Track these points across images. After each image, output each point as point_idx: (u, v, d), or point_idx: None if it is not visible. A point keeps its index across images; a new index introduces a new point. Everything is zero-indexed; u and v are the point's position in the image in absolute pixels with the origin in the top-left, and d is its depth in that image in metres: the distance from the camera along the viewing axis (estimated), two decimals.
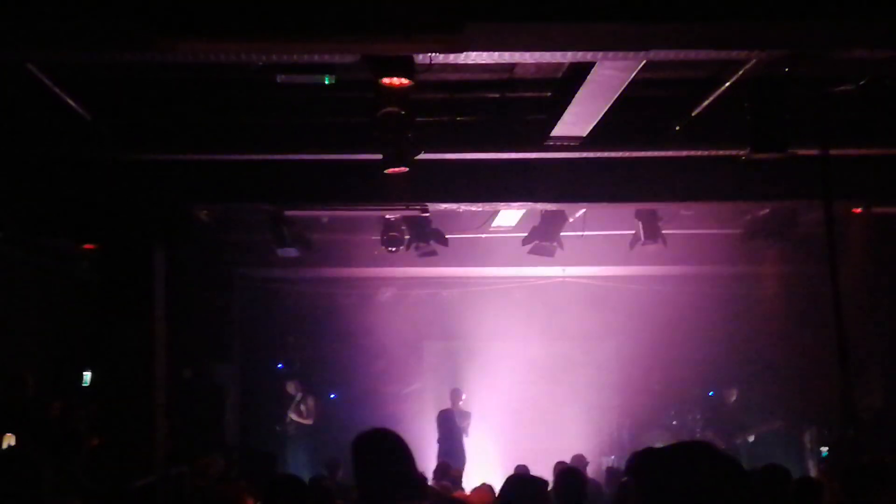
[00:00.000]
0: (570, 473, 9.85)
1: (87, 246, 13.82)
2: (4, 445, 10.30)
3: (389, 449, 5.58)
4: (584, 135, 11.20)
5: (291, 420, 21.03)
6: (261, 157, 12.19)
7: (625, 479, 10.50)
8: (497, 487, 12.46)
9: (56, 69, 9.74)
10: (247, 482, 10.60)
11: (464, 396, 20.63)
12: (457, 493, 12.11)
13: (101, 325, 12.99)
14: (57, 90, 10.05)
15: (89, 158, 12.10)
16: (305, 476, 14.15)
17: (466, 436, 20.06)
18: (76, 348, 16.55)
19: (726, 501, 3.43)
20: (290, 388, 21.22)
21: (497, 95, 11.26)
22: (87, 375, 16.20)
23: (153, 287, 12.87)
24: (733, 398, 20.39)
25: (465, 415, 20.33)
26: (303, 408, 21.00)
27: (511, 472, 13.97)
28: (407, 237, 14.94)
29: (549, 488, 8.14)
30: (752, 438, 18.98)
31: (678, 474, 3.50)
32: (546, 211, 14.61)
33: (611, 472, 15.33)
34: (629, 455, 6.62)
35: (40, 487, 7.40)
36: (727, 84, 10.04)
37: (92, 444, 12.34)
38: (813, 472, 17.19)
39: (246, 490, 8.55)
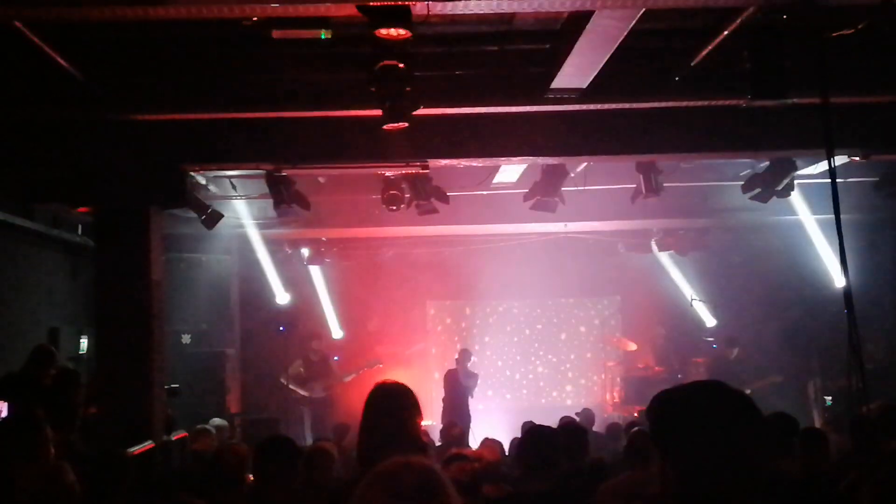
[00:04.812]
0: (572, 427, 9.92)
1: (81, 210, 13.69)
2: None
3: (393, 404, 5.54)
4: (584, 86, 11.07)
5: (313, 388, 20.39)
6: (257, 115, 12.02)
7: (636, 428, 10.52)
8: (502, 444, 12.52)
9: (46, 28, 9.59)
10: (248, 447, 10.52)
11: (473, 358, 20.54)
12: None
13: (97, 291, 12.84)
14: (48, 50, 9.90)
15: (82, 120, 11.94)
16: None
17: (471, 396, 19.99)
18: (72, 314, 16.47)
19: (741, 436, 3.36)
20: (315, 344, 20.64)
21: (496, 48, 11.12)
22: (84, 342, 16.13)
23: (149, 250, 12.69)
24: (733, 356, 20.24)
25: (472, 376, 20.22)
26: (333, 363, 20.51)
27: (516, 428, 14.01)
28: (407, 195, 14.79)
29: None
30: (748, 392, 18.93)
31: (693, 413, 3.43)
32: (547, 166, 14.48)
33: (612, 427, 15.26)
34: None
35: (43, 452, 7.36)
36: (726, 32, 9.92)
37: (89, 411, 12.24)
38: (818, 422, 17.26)
39: (246, 455, 8.49)
